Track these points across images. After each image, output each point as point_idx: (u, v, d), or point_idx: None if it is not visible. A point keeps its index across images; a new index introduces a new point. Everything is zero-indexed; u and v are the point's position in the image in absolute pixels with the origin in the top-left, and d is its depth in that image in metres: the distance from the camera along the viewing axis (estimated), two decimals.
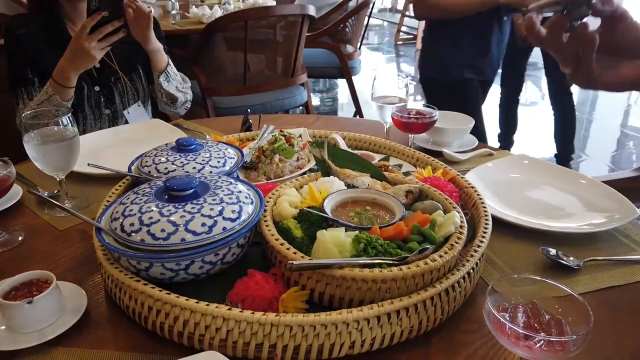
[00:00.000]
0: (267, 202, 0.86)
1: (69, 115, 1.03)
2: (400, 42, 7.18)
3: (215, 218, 0.75)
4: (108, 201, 0.95)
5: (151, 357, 0.71)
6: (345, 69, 3.80)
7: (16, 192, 1.12)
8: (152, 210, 0.76)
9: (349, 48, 3.93)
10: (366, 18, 4.03)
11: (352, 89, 3.88)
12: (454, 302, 0.76)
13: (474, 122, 1.39)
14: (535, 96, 5.37)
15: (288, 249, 0.75)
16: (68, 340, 0.74)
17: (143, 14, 1.39)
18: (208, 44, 2.79)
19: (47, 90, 1.34)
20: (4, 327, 0.74)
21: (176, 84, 1.58)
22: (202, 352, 0.67)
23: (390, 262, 0.72)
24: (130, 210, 0.77)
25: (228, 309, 0.67)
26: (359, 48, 4.05)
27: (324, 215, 0.81)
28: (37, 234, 1.02)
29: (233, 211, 0.77)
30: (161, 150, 1.03)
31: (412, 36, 7.13)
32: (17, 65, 1.45)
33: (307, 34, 3.00)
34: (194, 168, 0.97)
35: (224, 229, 0.75)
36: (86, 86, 1.51)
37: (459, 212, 0.83)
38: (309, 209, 0.81)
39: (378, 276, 0.69)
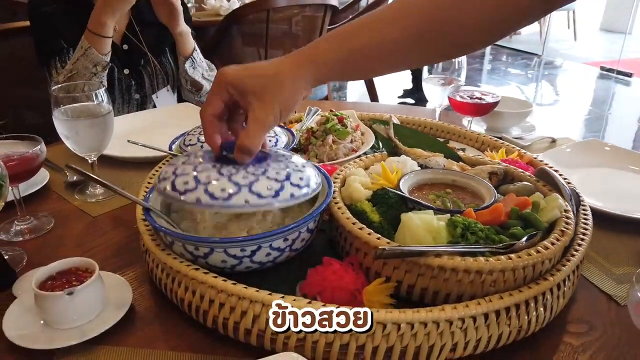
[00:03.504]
0: (334, 182, 0.76)
1: (103, 89, 0.93)
2: None
3: (282, 182, 0.63)
4: (149, 183, 0.85)
5: (212, 359, 0.61)
6: None
7: (42, 175, 1.02)
8: (209, 169, 0.64)
9: None
10: None
11: (371, 84, 3.78)
12: (562, 299, 0.65)
13: (533, 106, 1.28)
14: (551, 96, 5.25)
15: (370, 234, 0.64)
16: (112, 337, 0.64)
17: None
18: (227, 36, 2.70)
19: (82, 45, 1.27)
20: (41, 322, 0.64)
21: (202, 71, 1.50)
22: (277, 353, 0.57)
23: (495, 250, 0.61)
24: (184, 170, 0.65)
25: (308, 303, 0.56)
26: None
27: (406, 196, 0.70)
28: (68, 220, 0.92)
29: (301, 178, 0.65)
30: None
31: None
32: (47, 38, 1.37)
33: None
34: None
35: (292, 195, 0.63)
36: (116, 68, 1.43)
37: (566, 193, 0.72)
38: (388, 190, 0.71)
39: (484, 267, 0.58)
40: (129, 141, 0.90)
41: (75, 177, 1.03)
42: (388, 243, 0.62)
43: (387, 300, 0.62)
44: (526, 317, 0.60)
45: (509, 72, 5.95)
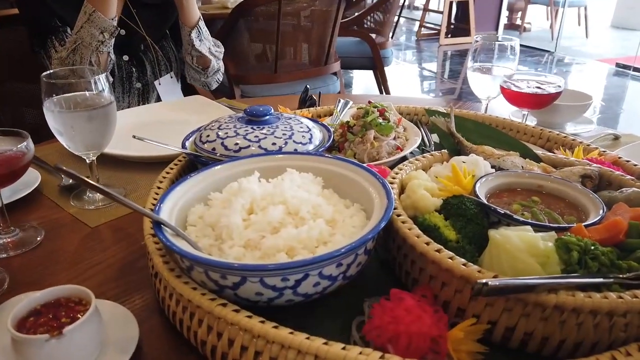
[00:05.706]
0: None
1: (103, 76, 0.78)
2: (423, 38, 6.93)
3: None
4: (159, 187, 0.70)
5: None
6: (377, 58, 3.55)
7: (33, 177, 0.87)
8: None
9: (379, 38, 3.69)
10: (399, 8, 3.80)
11: (384, 80, 3.63)
12: None
13: (592, 98, 1.13)
14: None
15: (452, 258, 0.49)
16: None
17: None
18: (234, 31, 2.55)
19: (85, 10, 1.13)
20: None
21: (209, 45, 1.37)
22: None
23: (624, 281, 0.46)
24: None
25: (381, 357, 0.41)
26: (392, 37, 3.80)
27: (492, 207, 0.55)
28: (61, 232, 0.77)
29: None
30: (225, 123, 0.78)
31: (435, 31, 6.86)
32: (41, 17, 1.23)
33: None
34: (274, 144, 0.72)
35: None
36: (114, 55, 1.28)
37: None
38: (465, 198, 0.55)
39: (619, 306, 0.43)
40: (134, 137, 0.75)
41: (71, 180, 0.89)
42: (480, 272, 0.47)
43: (476, 347, 0.47)
44: None
45: (520, 69, 5.78)
